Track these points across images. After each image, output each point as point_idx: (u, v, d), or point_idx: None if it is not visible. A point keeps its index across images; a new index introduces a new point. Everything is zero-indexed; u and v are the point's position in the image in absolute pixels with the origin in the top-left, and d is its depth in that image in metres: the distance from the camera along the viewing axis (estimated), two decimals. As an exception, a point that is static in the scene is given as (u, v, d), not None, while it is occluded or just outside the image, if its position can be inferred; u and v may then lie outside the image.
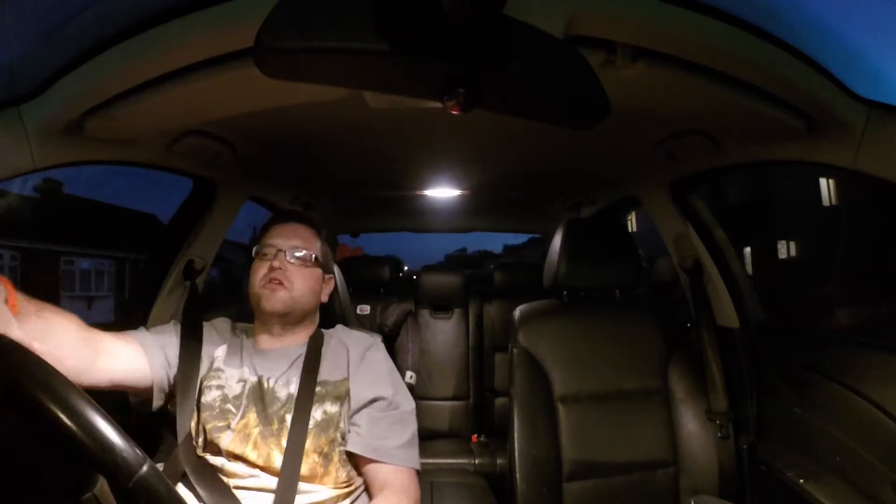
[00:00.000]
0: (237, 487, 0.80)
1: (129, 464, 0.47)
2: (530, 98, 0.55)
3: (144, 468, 0.48)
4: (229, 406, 0.85)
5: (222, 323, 1.01)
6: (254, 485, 0.80)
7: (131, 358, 0.84)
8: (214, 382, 0.88)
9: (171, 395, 0.89)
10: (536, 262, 2.02)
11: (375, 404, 0.88)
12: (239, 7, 0.59)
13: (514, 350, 1.22)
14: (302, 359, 0.91)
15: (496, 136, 1.19)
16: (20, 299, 0.64)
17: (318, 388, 0.87)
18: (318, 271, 0.98)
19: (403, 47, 0.43)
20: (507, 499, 1.16)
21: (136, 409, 1.04)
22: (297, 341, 0.96)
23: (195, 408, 0.87)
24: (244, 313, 1.02)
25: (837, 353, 1.01)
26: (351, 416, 0.87)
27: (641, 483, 1.16)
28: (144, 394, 0.87)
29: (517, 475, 1.10)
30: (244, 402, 0.86)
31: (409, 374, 1.27)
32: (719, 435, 1.19)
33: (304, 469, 0.80)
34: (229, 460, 0.82)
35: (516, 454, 1.11)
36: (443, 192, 1.89)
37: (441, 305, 2.29)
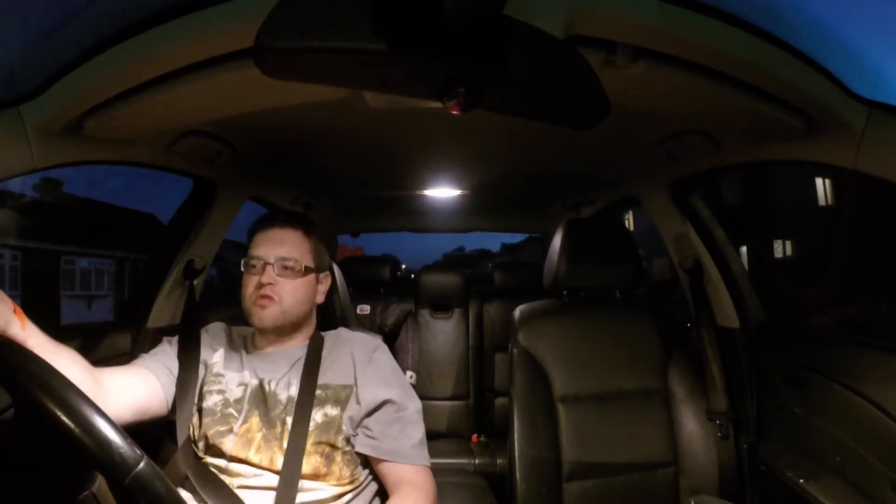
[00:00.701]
0: (239, 487, 0.80)
1: (125, 461, 0.47)
2: (530, 98, 0.55)
3: (141, 465, 0.48)
4: (231, 410, 0.86)
5: (217, 327, 1.01)
6: (256, 483, 0.80)
7: (141, 383, 0.85)
8: (215, 387, 0.89)
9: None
10: (533, 261, 2.01)
11: (386, 407, 0.88)
12: (239, 7, 0.59)
13: (514, 350, 1.22)
14: (302, 361, 0.91)
15: (496, 136, 1.19)
16: (29, 325, 0.66)
17: (319, 392, 0.87)
18: (310, 277, 0.94)
19: (403, 47, 0.43)
20: (507, 499, 1.16)
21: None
22: (296, 343, 0.96)
23: (195, 413, 0.88)
24: (244, 314, 1.02)
25: (837, 353, 1.01)
26: (362, 420, 0.87)
27: (641, 483, 1.16)
28: (161, 412, 0.88)
29: (517, 475, 1.10)
30: (246, 405, 0.86)
31: (409, 373, 1.27)
32: (719, 435, 1.19)
33: (307, 468, 0.81)
34: (231, 463, 0.82)
35: (516, 454, 1.11)
36: (443, 192, 1.89)
37: (441, 305, 2.29)
